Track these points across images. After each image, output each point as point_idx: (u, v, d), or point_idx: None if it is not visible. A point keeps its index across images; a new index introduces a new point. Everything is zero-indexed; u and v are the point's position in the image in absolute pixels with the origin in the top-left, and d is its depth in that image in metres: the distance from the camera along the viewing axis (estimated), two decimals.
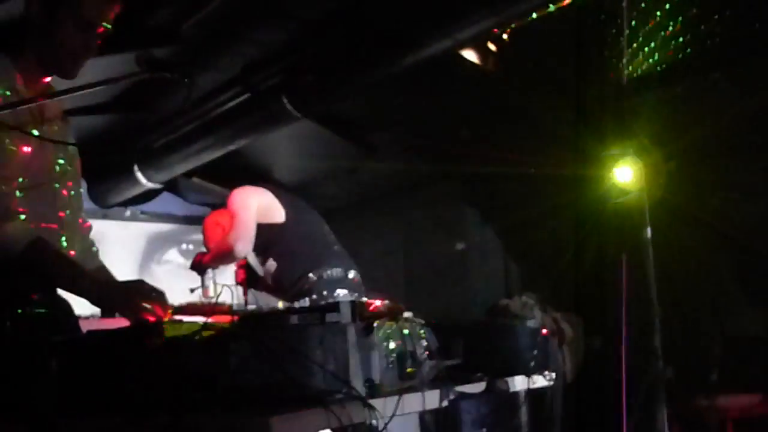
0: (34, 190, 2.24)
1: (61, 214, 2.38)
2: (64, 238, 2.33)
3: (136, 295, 2.06)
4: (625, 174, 4.42)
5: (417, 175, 5.78)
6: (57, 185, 2.37)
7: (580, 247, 4.92)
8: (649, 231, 4.41)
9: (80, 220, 2.55)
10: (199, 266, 4.46)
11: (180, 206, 6.50)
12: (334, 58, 4.11)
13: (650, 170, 4.40)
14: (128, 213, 6.16)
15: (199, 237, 6.68)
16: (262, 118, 4.58)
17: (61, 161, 2.39)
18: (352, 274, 4.19)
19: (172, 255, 6.34)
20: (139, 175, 5.41)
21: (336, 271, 4.11)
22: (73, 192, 2.46)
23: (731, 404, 4.45)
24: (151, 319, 2.00)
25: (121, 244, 5.85)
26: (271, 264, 4.26)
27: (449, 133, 5.17)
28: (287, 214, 4.28)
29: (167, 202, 6.38)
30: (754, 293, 4.62)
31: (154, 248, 6.28)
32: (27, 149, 2.22)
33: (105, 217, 5.88)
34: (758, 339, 4.62)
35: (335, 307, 1.78)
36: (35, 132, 2.26)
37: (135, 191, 5.64)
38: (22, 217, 2.14)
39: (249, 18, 4.03)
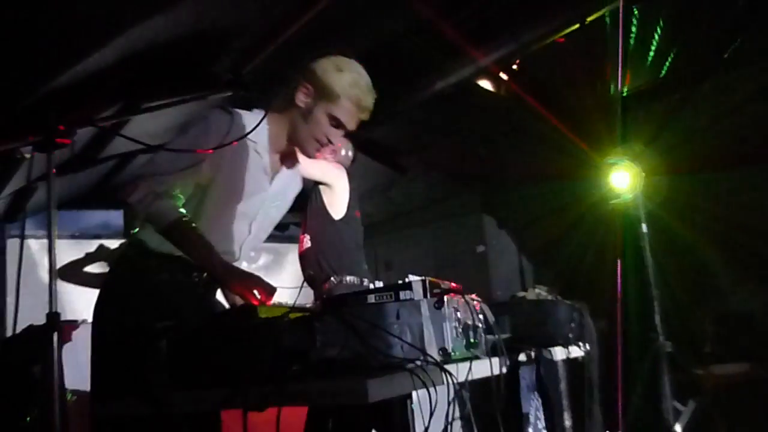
0: (230, 214, 2.17)
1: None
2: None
3: (251, 281, 1.97)
4: (622, 178, 4.30)
5: (441, 190, 5.68)
6: (250, 222, 2.26)
7: (585, 244, 4.80)
8: (644, 226, 4.28)
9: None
10: None
11: None
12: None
13: (645, 174, 4.28)
14: None
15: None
16: None
17: (268, 210, 2.30)
18: (367, 283, 3.46)
19: None
20: None
21: (354, 279, 3.34)
22: (256, 235, 2.31)
23: (723, 372, 4.32)
24: (255, 302, 1.90)
25: None
26: (306, 240, 3.50)
27: (469, 152, 5.07)
28: (345, 216, 3.51)
29: None
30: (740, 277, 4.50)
31: None
32: (249, 178, 2.15)
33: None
34: (744, 316, 4.50)
35: (408, 285, 1.67)
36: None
37: None
38: (180, 203, 2.04)
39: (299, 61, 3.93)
